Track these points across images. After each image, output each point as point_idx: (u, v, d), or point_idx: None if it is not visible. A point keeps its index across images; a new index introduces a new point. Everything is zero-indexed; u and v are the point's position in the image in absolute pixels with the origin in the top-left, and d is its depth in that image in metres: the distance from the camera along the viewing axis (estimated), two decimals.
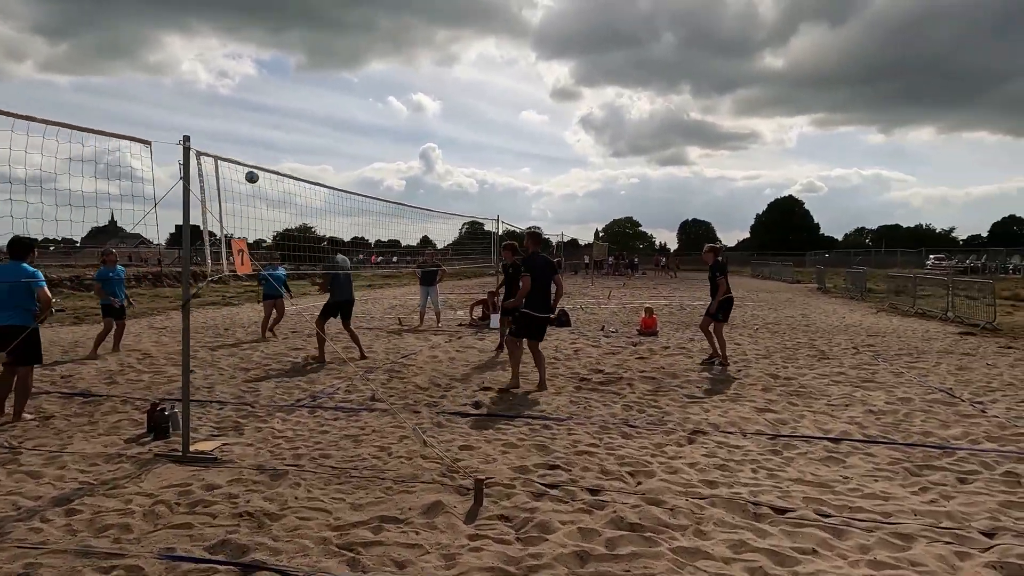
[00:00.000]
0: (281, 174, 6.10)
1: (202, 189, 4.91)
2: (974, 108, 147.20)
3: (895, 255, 48.19)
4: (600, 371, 8.32)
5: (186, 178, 4.77)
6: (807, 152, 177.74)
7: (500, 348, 10.18)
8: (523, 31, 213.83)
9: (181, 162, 4.78)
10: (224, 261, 5.26)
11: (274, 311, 11.88)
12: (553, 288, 7.36)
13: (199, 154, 4.89)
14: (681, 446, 5.18)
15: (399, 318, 14.76)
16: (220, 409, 6.28)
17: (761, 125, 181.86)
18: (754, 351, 10.27)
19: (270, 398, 6.72)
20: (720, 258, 9.51)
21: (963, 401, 6.75)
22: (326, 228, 8.37)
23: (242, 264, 5.35)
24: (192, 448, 4.86)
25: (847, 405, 6.59)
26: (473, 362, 9.07)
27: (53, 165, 4.22)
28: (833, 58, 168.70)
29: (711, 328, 9.41)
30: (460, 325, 13.84)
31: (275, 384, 7.44)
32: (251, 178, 5.53)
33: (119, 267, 10.47)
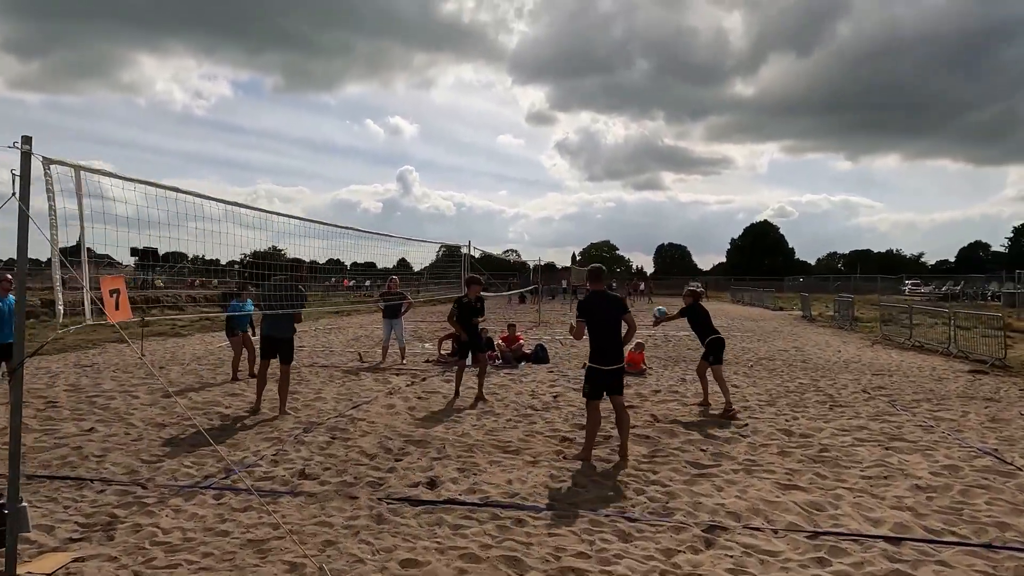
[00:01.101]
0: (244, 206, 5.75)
1: (52, 209, 3.59)
2: (936, 137, 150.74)
3: (874, 280, 47.88)
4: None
5: (24, 190, 3.46)
6: (778, 178, 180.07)
7: (465, 395, 8.95)
8: (499, 56, 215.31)
9: (16, 172, 3.46)
10: (87, 306, 3.92)
11: (244, 349, 10.42)
12: (624, 328, 6.09)
13: (48, 162, 3.58)
14: (697, 552, 3.92)
15: (360, 353, 13.39)
16: (101, 491, 4.88)
17: (733, 151, 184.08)
18: (756, 396, 9.10)
19: (172, 473, 5.33)
20: (700, 302, 8.91)
21: (1021, 471, 5.61)
22: (300, 251, 7.91)
23: (117, 309, 4.03)
24: (23, 571, 3.48)
25: (886, 477, 5.41)
26: (436, 413, 7.75)
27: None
28: (801, 87, 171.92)
29: (708, 373, 8.44)
30: (427, 361, 12.51)
31: (186, 450, 6.04)
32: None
33: (10, 297, 8.67)
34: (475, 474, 5.33)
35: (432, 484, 5.03)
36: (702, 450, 6.25)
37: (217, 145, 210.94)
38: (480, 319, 9.10)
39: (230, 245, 5.85)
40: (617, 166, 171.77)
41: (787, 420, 7.59)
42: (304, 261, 7.99)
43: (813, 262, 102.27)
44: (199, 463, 5.61)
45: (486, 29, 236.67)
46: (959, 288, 43.25)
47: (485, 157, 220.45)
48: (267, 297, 7.45)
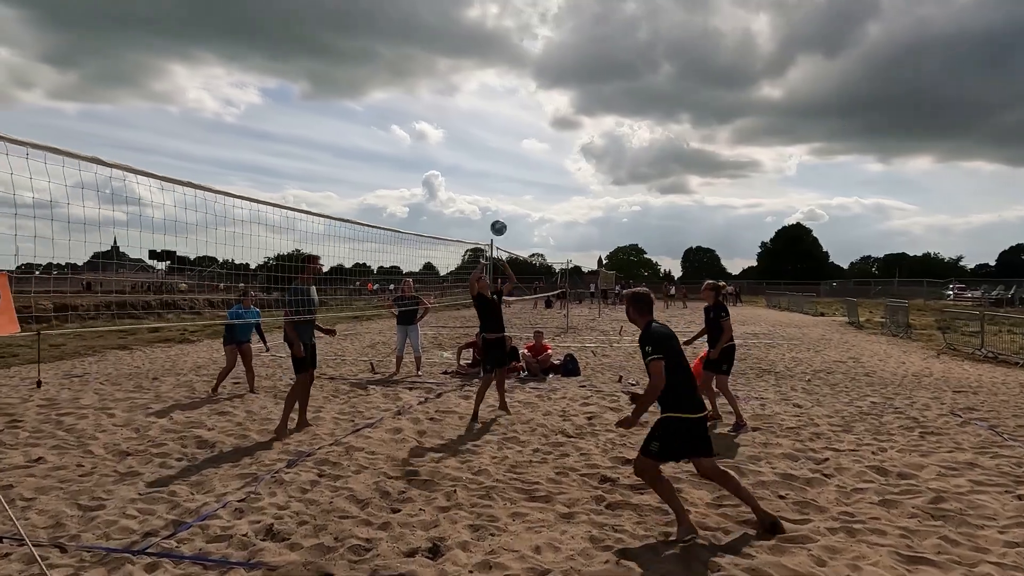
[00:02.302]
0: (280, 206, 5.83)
1: None
2: (969, 137, 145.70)
3: (919, 284, 45.61)
4: (629, 461, 5.77)
5: None
6: (806, 181, 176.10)
7: (477, 416, 7.78)
8: (523, 61, 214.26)
9: None
10: None
11: (240, 361, 9.32)
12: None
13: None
14: None
15: (372, 363, 12.25)
16: (6, 555, 3.75)
17: (760, 154, 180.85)
18: (826, 418, 7.72)
19: (107, 528, 4.18)
20: (721, 297, 7.69)
21: None
22: (326, 254, 7.67)
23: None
24: None
25: None
26: (450, 440, 6.53)
27: (58, 191, 4.08)
28: (829, 88, 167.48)
29: (714, 384, 7.41)
30: (445, 373, 11.32)
31: (138, 491, 4.90)
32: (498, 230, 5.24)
33: None
34: (492, 534, 4.09)
35: (435, 552, 3.80)
36: (780, 496, 4.94)
37: (246, 152, 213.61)
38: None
39: (256, 248, 6.07)
40: (642, 170, 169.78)
41: (874, 452, 6.23)
42: (317, 256, 6.87)
43: (846, 266, 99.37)
44: (147, 511, 4.46)
45: (510, 34, 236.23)
46: (1011, 293, 40.84)
47: (510, 162, 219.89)
48: (297, 302, 6.36)
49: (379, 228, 9.62)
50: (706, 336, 7.60)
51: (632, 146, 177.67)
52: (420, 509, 4.50)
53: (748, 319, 27.55)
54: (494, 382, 7.99)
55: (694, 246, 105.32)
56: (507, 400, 8.19)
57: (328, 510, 4.44)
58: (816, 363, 13.09)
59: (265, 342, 9.82)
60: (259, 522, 4.24)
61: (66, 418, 7.49)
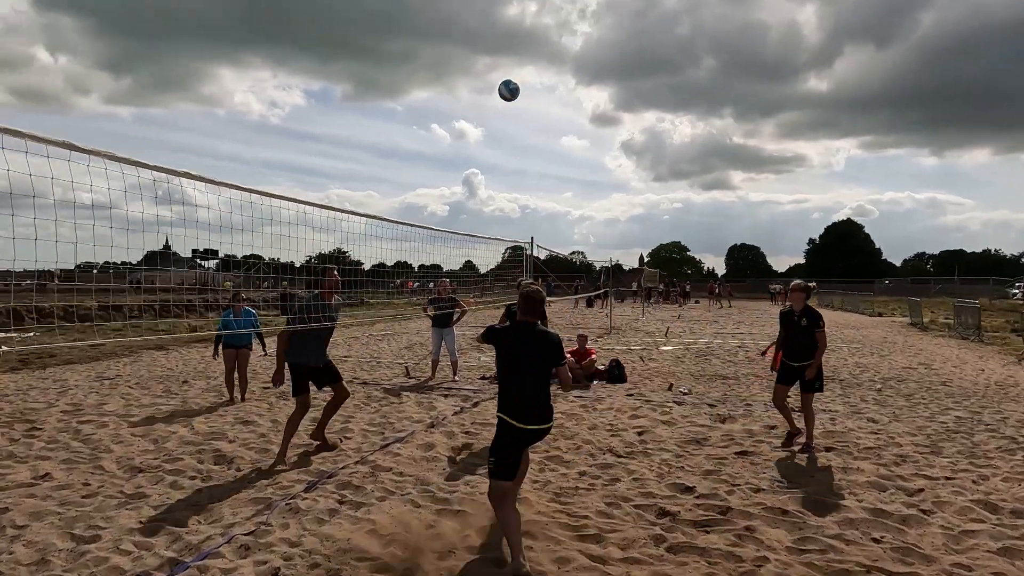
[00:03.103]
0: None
1: None
2: None
3: (984, 283, 43.21)
4: (690, 489, 5.06)
5: None
6: (856, 175, 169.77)
7: None
8: (562, 58, 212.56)
9: None
10: None
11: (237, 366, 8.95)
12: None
13: None
14: None
15: (407, 367, 11.74)
16: None
17: (807, 148, 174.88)
18: (908, 437, 6.85)
19: (95, 567, 3.67)
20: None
21: None
22: (368, 253, 8.04)
23: None
24: None
25: None
26: (485, 460, 5.91)
27: (114, 192, 4.26)
28: (880, 80, 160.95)
29: (787, 400, 6.55)
30: (483, 378, 10.73)
31: (140, 519, 4.41)
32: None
33: None
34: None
35: None
36: (875, 540, 4.17)
37: (291, 152, 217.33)
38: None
39: (298, 251, 6.14)
40: (684, 166, 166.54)
41: (975, 482, 5.38)
42: (334, 268, 6.22)
43: (898, 263, 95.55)
44: (144, 544, 3.95)
45: (548, 32, 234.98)
46: None
47: (549, 159, 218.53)
48: (303, 313, 5.80)
49: (419, 227, 9.14)
50: (781, 348, 6.62)
51: (673, 142, 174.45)
52: (450, 552, 3.88)
53: None
54: None
55: (738, 243, 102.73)
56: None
57: (345, 549, 3.86)
58: (883, 369, 12.07)
59: (264, 347, 9.31)
60: (265, 563, 3.68)
61: (85, 426, 7.14)
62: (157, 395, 9.16)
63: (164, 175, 4.51)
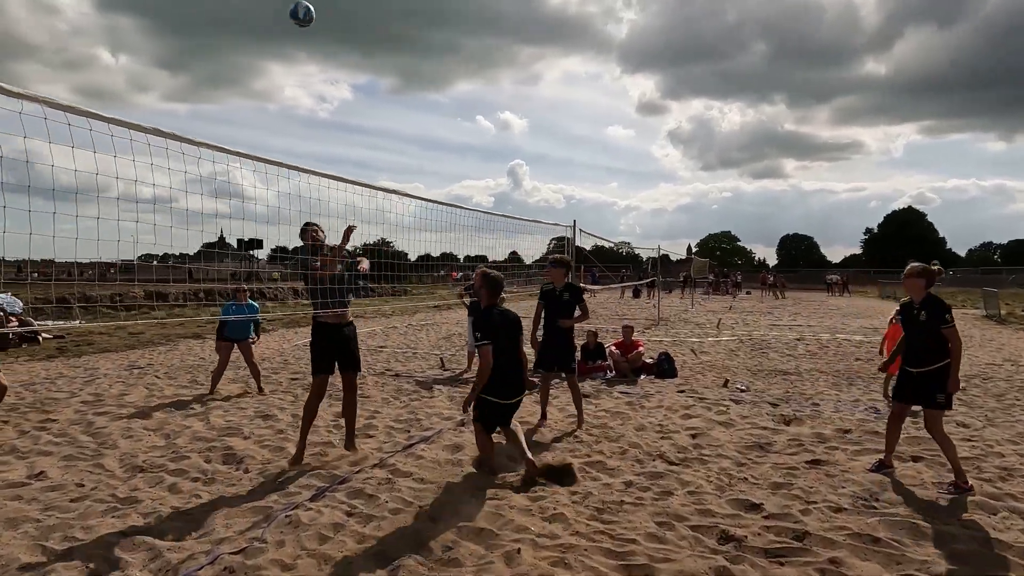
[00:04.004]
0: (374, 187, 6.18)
1: None
2: None
3: None
4: (757, 507, 4.30)
5: None
6: (916, 162, 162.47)
7: (544, 419, 6.57)
8: (607, 46, 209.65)
9: None
10: None
11: (237, 357, 8.56)
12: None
13: None
14: None
15: (442, 358, 11.17)
16: None
17: (863, 134, 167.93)
18: (1010, 445, 5.89)
19: None
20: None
21: None
22: (413, 244, 7.14)
23: None
24: None
25: None
26: (518, 462, 5.25)
27: (176, 184, 4.48)
28: (943, 62, 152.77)
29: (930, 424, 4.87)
30: None
31: (124, 529, 3.90)
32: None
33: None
34: None
35: None
36: None
37: (339, 146, 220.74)
38: (574, 320, 6.58)
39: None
40: (733, 154, 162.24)
41: None
42: (312, 225, 5.45)
43: (963, 253, 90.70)
44: (118, 562, 3.43)
45: (593, 20, 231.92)
46: None
47: (595, 149, 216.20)
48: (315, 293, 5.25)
49: (468, 209, 8.72)
50: (898, 351, 5.25)
51: (722, 130, 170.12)
52: None
53: (863, 311, 24.78)
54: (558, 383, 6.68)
55: (790, 233, 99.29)
56: (587, 409, 6.87)
57: None
58: (964, 366, 10.90)
59: (257, 335, 8.79)
60: None
61: (99, 418, 6.77)
62: (182, 385, 8.81)
63: (221, 167, 4.68)
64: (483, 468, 4.92)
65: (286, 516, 4.00)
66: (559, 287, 6.64)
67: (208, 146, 4.46)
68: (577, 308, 6.60)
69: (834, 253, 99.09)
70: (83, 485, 4.69)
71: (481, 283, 5.09)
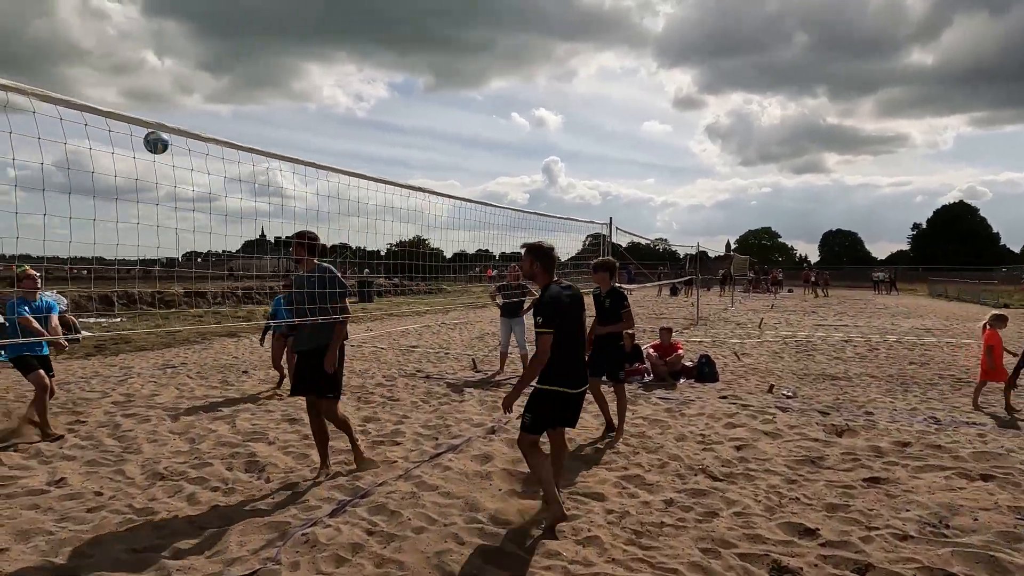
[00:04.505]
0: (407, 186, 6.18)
1: None
2: None
3: None
4: (812, 532, 3.92)
5: None
6: (966, 155, 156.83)
7: (609, 430, 6.19)
8: (643, 40, 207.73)
9: None
10: None
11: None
12: None
13: None
14: None
15: (474, 360, 10.93)
16: None
17: (909, 127, 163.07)
18: None
19: None
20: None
21: None
22: (448, 242, 8.25)
23: None
24: None
25: None
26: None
27: (216, 185, 4.56)
28: (995, 50, 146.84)
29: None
30: None
31: (136, 543, 3.72)
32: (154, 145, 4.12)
33: (48, 298, 6.68)
34: None
35: None
36: None
37: (376, 144, 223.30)
38: (611, 327, 6.23)
39: (383, 233, 6.24)
40: (773, 149, 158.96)
41: None
42: (306, 233, 5.02)
43: (1017, 249, 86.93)
44: None
45: (629, 14, 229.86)
46: None
47: (630, 145, 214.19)
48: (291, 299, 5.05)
49: (501, 207, 8.68)
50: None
51: (761, 124, 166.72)
52: None
53: (913, 310, 23.78)
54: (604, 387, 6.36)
55: (833, 229, 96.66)
56: (627, 417, 6.51)
57: None
58: None
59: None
60: None
61: (127, 420, 6.70)
62: (213, 386, 8.74)
63: (261, 167, 4.83)
64: (554, 521, 3.94)
65: (302, 534, 3.78)
66: (604, 292, 6.33)
67: (249, 150, 4.58)
68: (620, 315, 6.24)
69: (879, 249, 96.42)
70: (101, 494, 4.56)
71: (533, 259, 4.24)
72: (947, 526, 4.05)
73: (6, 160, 3.37)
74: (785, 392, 8.25)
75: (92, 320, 18.15)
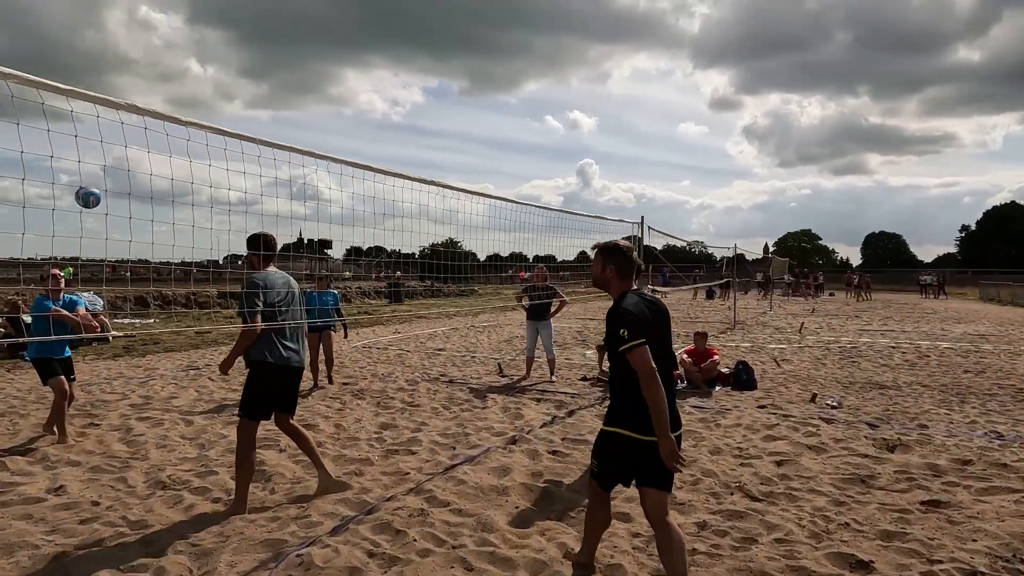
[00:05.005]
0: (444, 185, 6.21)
1: None
2: None
3: None
4: (864, 564, 3.47)
5: None
6: (1018, 154, 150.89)
7: None
8: (679, 42, 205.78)
9: None
10: None
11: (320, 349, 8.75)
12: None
13: None
14: None
15: (500, 364, 10.59)
16: None
17: (956, 126, 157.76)
18: None
19: None
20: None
21: None
22: (482, 244, 7.73)
23: None
24: None
25: None
26: (572, 493, 4.57)
27: (254, 188, 4.55)
28: None
29: None
30: (584, 379, 9.37)
31: (124, 562, 3.47)
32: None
33: (76, 297, 6.56)
34: None
35: None
36: None
37: (411, 148, 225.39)
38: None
39: (418, 232, 6.30)
40: (812, 149, 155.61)
41: None
42: (261, 235, 4.65)
43: None
44: None
45: (664, 15, 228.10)
46: None
47: (666, 147, 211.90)
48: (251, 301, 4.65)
49: (534, 206, 8.51)
50: None
51: (800, 124, 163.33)
52: None
53: (964, 315, 22.67)
54: None
55: (876, 231, 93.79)
56: None
57: None
58: None
59: (346, 332, 10.11)
60: None
61: (140, 424, 6.54)
62: (233, 388, 8.56)
63: (298, 171, 4.92)
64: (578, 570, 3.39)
65: (297, 555, 3.47)
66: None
67: (291, 149, 4.59)
68: None
69: (925, 252, 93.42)
70: (98, 503, 4.34)
71: (605, 261, 3.26)
72: (1022, 560, 3.56)
73: (44, 164, 3.42)
74: (829, 402, 7.71)
75: (126, 321, 18.37)
